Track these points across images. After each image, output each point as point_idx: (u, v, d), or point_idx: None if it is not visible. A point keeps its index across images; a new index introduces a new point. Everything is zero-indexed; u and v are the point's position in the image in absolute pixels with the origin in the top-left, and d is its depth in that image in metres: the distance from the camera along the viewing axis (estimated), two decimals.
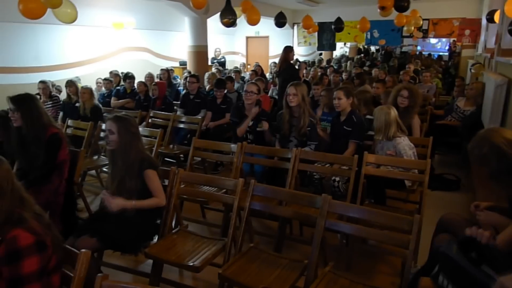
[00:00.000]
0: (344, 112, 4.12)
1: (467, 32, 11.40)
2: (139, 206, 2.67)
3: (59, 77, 8.30)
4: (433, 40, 22.36)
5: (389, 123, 3.70)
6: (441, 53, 20.86)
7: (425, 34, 12.44)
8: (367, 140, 4.29)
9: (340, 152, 3.82)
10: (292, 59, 6.87)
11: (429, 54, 19.32)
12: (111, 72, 7.90)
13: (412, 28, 11.02)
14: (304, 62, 13.34)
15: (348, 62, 14.01)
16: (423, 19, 11.28)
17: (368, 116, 4.59)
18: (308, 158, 3.54)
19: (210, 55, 11.63)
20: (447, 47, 21.26)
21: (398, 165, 3.44)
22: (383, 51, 17.27)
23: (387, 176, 3.38)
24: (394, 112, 3.76)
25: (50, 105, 6.19)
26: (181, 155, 5.17)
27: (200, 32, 9.52)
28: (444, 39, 21.28)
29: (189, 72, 8.70)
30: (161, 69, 8.02)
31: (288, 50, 6.82)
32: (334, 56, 17.89)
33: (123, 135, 2.68)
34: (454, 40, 17.92)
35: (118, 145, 2.70)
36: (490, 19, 7.51)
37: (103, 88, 7.57)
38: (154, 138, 4.50)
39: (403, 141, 3.71)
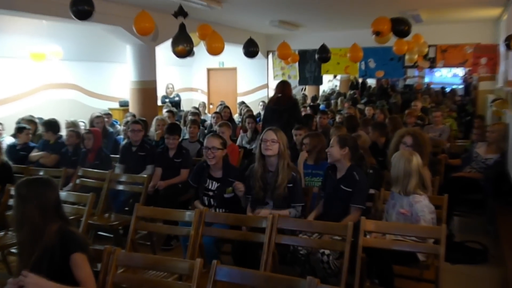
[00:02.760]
0: (341, 167, 4.16)
1: (483, 60, 12.06)
2: None
3: None
4: (443, 71, 23.55)
5: (409, 173, 3.78)
6: (454, 86, 21.86)
7: (432, 64, 13.06)
8: (368, 201, 4.32)
9: (333, 219, 3.82)
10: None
11: (442, 88, 20.22)
12: (23, 119, 7.79)
13: (416, 56, 11.56)
14: None
15: (339, 99, 14.47)
16: (429, 46, 11.89)
17: (369, 171, 4.71)
18: (289, 228, 3.54)
19: (161, 92, 11.76)
20: (461, 78, 22.39)
21: (408, 232, 3.47)
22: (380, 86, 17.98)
23: (393, 248, 3.40)
24: (417, 160, 3.84)
25: None
26: (120, 228, 5.09)
27: (146, 63, 9.69)
28: (457, 68, 22.38)
29: (133, 116, 8.79)
30: (96, 115, 8.01)
31: (287, 85, 7.57)
32: (321, 91, 18.47)
33: (29, 208, 2.60)
34: (469, 70, 18.89)
35: (21, 222, 2.62)
36: (509, 45, 8.03)
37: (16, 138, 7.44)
38: (83, 205, 4.44)
39: (423, 201, 3.76)
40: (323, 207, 4.22)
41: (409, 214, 3.71)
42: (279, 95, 7.45)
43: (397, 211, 3.81)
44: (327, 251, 3.59)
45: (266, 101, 14.17)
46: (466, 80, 20.13)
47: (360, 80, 20.31)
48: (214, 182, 4.51)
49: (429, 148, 4.87)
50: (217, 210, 4.42)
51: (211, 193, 4.47)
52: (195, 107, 11.34)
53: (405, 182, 3.78)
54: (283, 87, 7.55)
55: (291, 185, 4.12)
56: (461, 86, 21.67)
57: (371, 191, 4.39)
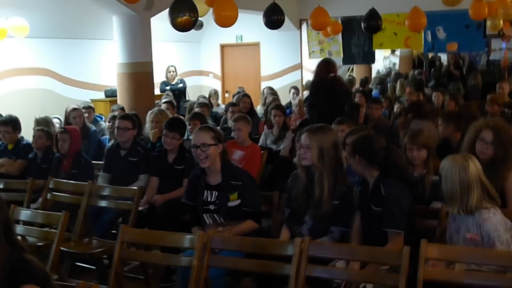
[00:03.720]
0: (369, 180, 4.17)
1: None
2: None
3: None
4: None
5: (468, 186, 3.72)
6: None
7: None
8: (428, 218, 4.27)
9: (374, 244, 3.83)
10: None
11: None
12: None
13: (501, 22, 11.36)
14: None
15: (399, 81, 14.31)
16: None
17: (433, 177, 4.65)
18: (322, 255, 3.56)
19: (160, 78, 11.80)
20: None
21: (486, 260, 3.43)
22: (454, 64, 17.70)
23: (466, 282, 3.35)
24: (475, 165, 3.80)
25: None
26: (105, 257, 5.13)
27: (139, 40, 9.68)
28: None
29: (121, 109, 8.78)
30: (72, 108, 8.08)
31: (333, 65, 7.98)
32: (375, 72, 18.31)
33: None
34: None
35: None
36: None
37: None
38: (54, 227, 4.48)
39: (494, 216, 3.72)
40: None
41: (479, 239, 3.67)
42: (332, 74, 7.76)
43: (464, 236, 3.77)
44: (369, 285, 3.57)
45: (299, 86, 14.20)
46: None
47: (429, 56, 20.05)
48: (212, 192, 4.55)
49: None
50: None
51: (212, 207, 4.51)
52: (203, 97, 11.34)
53: (464, 198, 3.73)
54: (330, 67, 7.84)
55: (337, 202, 4.17)
56: None
57: (437, 204, 4.34)
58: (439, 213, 4.28)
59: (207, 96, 11.79)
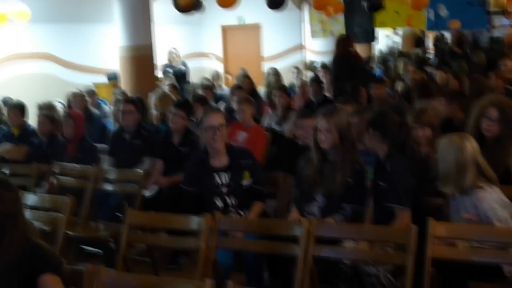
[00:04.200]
0: (380, 155, 4.22)
1: None
2: None
3: None
4: None
5: (463, 166, 3.73)
6: None
7: None
8: (434, 196, 4.29)
9: (384, 221, 3.89)
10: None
11: None
12: None
13: None
14: (325, 65, 13.59)
15: (401, 60, 14.27)
16: None
17: None
18: (330, 235, 3.56)
19: (161, 60, 11.77)
20: None
21: (492, 238, 3.44)
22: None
23: (473, 259, 3.36)
24: (471, 145, 3.80)
25: None
26: (111, 240, 5.07)
27: (140, 22, 9.63)
28: None
29: (123, 93, 8.78)
30: (74, 92, 8.07)
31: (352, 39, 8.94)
32: (377, 52, 18.23)
33: None
34: None
35: None
36: None
37: None
38: (60, 212, 4.47)
39: (490, 195, 3.73)
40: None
41: (476, 219, 3.67)
42: (351, 49, 8.59)
43: (463, 216, 3.78)
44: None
45: (302, 67, 14.14)
46: None
47: (430, 35, 19.97)
48: (223, 174, 4.57)
49: None
50: (240, 212, 4.51)
51: (224, 190, 4.53)
52: (207, 79, 11.30)
53: (460, 178, 3.75)
54: (350, 41, 8.75)
55: (351, 180, 4.22)
56: None
57: None
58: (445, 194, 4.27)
59: (209, 78, 11.73)
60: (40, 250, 2.76)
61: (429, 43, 21.01)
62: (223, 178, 4.56)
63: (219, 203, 4.54)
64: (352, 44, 8.73)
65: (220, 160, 4.59)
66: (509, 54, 13.74)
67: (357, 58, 8.63)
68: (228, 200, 4.53)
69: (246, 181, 4.54)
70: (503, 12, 13.35)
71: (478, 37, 20.07)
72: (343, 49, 8.57)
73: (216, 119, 4.53)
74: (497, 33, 21.55)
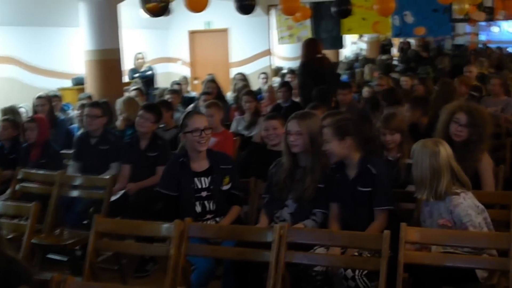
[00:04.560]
0: (350, 163, 4.19)
1: None
2: None
3: None
4: (503, 25, 23.38)
5: (438, 172, 3.74)
6: None
7: (490, 16, 12.96)
8: (404, 202, 4.30)
9: (356, 229, 3.84)
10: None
11: (498, 48, 20.11)
12: None
13: (467, 6, 11.46)
14: (292, 70, 13.63)
15: (367, 66, 14.39)
16: None
17: (408, 161, 4.66)
18: (303, 241, 3.54)
19: (127, 65, 11.67)
20: None
21: (466, 242, 3.44)
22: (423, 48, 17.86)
23: (446, 264, 3.36)
24: (446, 151, 3.81)
25: None
26: (78, 248, 5.05)
27: (107, 26, 9.58)
28: None
29: (89, 97, 8.71)
30: (38, 96, 7.95)
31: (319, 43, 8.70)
32: (343, 57, 18.37)
33: None
34: None
35: None
36: None
37: None
38: (24, 219, 4.41)
39: (465, 201, 3.74)
40: (340, 220, 4.22)
41: (451, 224, 3.69)
42: (320, 55, 8.38)
43: (437, 222, 3.79)
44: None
45: (269, 72, 14.18)
46: None
47: (395, 42, 20.20)
48: (203, 178, 4.56)
49: (491, 128, 4.82)
50: (217, 219, 4.52)
51: (204, 194, 4.52)
52: (177, 83, 11.23)
53: (434, 184, 3.75)
54: (317, 46, 8.53)
55: (322, 185, 4.22)
56: None
57: (411, 188, 4.35)
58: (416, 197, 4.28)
59: (179, 81, 11.68)
60: (15, 264, 2.74)
61: (394, 49, 21.32)
62: (203, 182, 4.55)
63: (197, 207, 4.52)
64: (319, 49, 8.66)
65: (201, 164, 4.58)
66: (472, 60, 14.00)
67: (324, 63, 8.54)
68: (206, 204, 4.51)
69: (226, 186, 4.54)
70: (466, 20, 13.53)
71: (442, 44, 20.45)
72: (310, 54, 8.51)
73: (201, 122, 4.55)
74: (458, 40, 22.02)
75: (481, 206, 3.78)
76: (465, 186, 3.83)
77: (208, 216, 4.51)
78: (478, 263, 3.44)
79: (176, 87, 10.46)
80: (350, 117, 4.45)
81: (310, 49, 8.50)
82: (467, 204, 3.71)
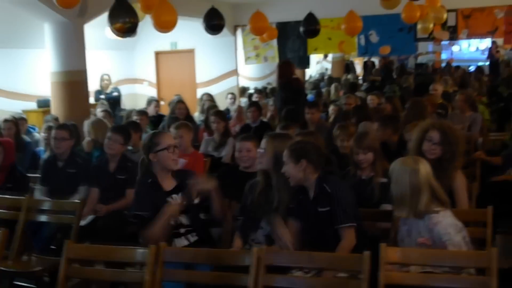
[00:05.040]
0: (309, 185, 4.13)
1: None
2: None
3: None
4: (463, 44, 23.88)
5: (418, 189, 3.74)
6: (480, 63, 22.19)
7: (453, 35, 13.19)
8: (379, 221, 4.31)
9: (328, 247, 3.81)
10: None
11: (457, 67, 20.50)
12: None
13: (431, 25, 11.63)
14: (259, 90, 13.65)
15: (333, 85, 14.50)
16: (448, 11, 11.98)
17: (381, 180, 4.69)
18: (280, 264, 3.50)
19: (93, 86, 11.56)
20: (484, 53, 22.75)
21: (443, 262, 3.43)
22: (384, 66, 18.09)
23: (428, 284, 3.36)
24: (425, 168, 3.82)
25: None
26: (46, 274, 4.94)
27: (73, 48, 9.55)
28: (479, 40, 22.73)
29: (56, 120, 8.62)
30: (5, 120, 7.81)
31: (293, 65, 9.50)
32: (308, 77, 18.48)
33: None
34: (494, 42, 19.23)
35: None
36: None
37: None
38: None
39: (444, 219, 3.74)
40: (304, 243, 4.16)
41: (430, 243, 3.68)
42: (294, 76, 9.26)
43: (416, 241, 3.78)
44: None
45: (236, 92, 14.21)
46: (492, 55, 20.40)
47: (357, 61, 20.47)
48: (174, 196, 4.50)
49: (463, 145, 4.88)
50: (190, 236, 4.44)
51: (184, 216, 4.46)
52: (154, 99, 11.35)
53: (414, 202, 3.76)
54: (292, 68, 9.30)
55: (292, 206, 4.20)
56: (486, 63, 21.97)
57: (387, 207, 4.36)
58: (392, 216, 4.27)
59: (147, 103, 11.56)
60: None
61: (358, 68, 21.58)
62: (175, 200, 4.49)
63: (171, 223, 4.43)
64: (293, 70, 9.23)
65: (169, 182, 4.53)
66: (437, 79, 14.19)
67: (300, 83, 9.28)
68: (181, 219, 4.43)
69: (196, 200, 4.50)
70: (431, 39, 13.75)
71: (405, 63, 20.76)
72: (287, 75, 9.04)
73: (171, 139, 4.60)
74: (421, 59, 22.41)
75: (460, 224, 3.78)
76: (444, 204, 3.83)
77: (182, 230, 4.42)
78: (460, 283, 3.41)
79: (154, 103, 10.70)
80: (307, 141, 4.43)
81: (286, 70, 9.06)
82: (446, 223, 3.71)
